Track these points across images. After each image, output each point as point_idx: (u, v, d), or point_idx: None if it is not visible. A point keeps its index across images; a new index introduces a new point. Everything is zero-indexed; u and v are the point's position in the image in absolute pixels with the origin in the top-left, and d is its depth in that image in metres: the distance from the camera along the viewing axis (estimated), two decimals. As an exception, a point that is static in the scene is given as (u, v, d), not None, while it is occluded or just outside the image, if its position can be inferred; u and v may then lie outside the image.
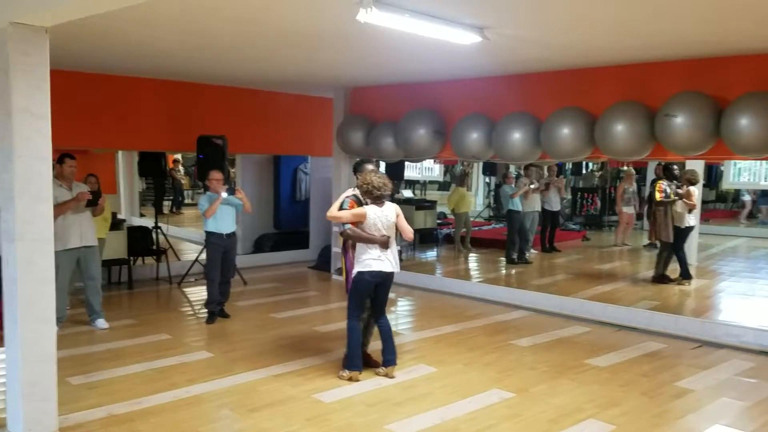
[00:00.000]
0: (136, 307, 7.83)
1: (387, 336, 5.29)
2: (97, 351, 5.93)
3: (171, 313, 7.53)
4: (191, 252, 10.81)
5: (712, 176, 18.32)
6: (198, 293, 8.25)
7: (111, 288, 8.52)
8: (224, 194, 6.79)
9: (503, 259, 10.96)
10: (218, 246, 6.90)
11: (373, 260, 5.08)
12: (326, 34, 5.53)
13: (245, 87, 9.51)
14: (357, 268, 5.13)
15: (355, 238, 5.13)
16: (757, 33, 5.18)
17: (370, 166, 5.42)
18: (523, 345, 6.33)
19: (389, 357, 5.29)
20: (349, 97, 9.56)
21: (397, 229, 5.27)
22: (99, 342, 6.20)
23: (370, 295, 5.25)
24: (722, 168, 17.60)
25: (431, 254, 12.04)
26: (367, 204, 5.16)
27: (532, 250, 11.46)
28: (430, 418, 4.48)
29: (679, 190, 8.74)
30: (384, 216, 5.12)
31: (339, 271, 9.54)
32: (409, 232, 5.31)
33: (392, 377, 5.24)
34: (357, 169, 5.52)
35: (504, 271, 10.55)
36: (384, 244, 5.09)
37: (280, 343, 6.23)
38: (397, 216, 5.23)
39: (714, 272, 10.37)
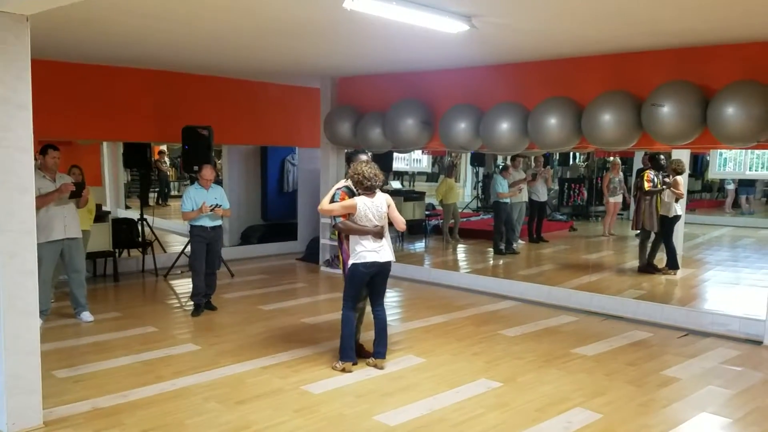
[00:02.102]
0: (121, 299, 7.77)
1: (381, 328, 5.27)
2: (82, 344, 5.88)
3: (157, 305, 7.48)
4: (177, 244, 10.74)
5: (698, 166, 18.44)
6: (184, 285, 8.20)
7: (96, 280, 8.45)
8: (209, 213, 6.75)
9: (491, 249, 10.98)
10: (202, 238, 6.85)
11: (367, 252, 5.06)
12: (312, 23, 5.47)
13: (231, 77, 9.43)
14: (351, 260, 5.11)
15: (346, 230, 5.11)
16: (743, 22, 5.19)
17: (364, 157, 5.38)
18: (510, 335, 6.34)
19: (380, 349, 5.28)
20: (336, 87, 9.50)
21: (389, 219, 5.26)
22: (84, 335, 6.14)
23: (367, 285, 5.23)
24: (708, 158, 17.73)
25: (419, 245, 12.05)
26: (358, 195, 5.14)
27: (520, 241, 11.49)
28: (418, 408, 4.48)
29: (667, 180, 8.79)
30: (375, 207, 5.09)
31: (327, 263, 9.51)
32: (401, 222, 5.30)
33: (381, 368, 5.23)
34: (350, 159, 5.47)
35: (492, 262, 10.58)
36: (377, 235, 5.08)
37: (268, 335, 6.20)
38: (389, 206, 5.21)
39: (700, 261, 10.45)
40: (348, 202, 5.09)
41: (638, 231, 12.87)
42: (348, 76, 9.31)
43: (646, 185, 8.75)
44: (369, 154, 5.68)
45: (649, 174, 8.82)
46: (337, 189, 5.24)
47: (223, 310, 7.09)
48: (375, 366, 5.25)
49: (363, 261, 5.06)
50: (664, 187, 8.75)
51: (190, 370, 5.17)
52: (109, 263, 8.69)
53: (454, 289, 8.38)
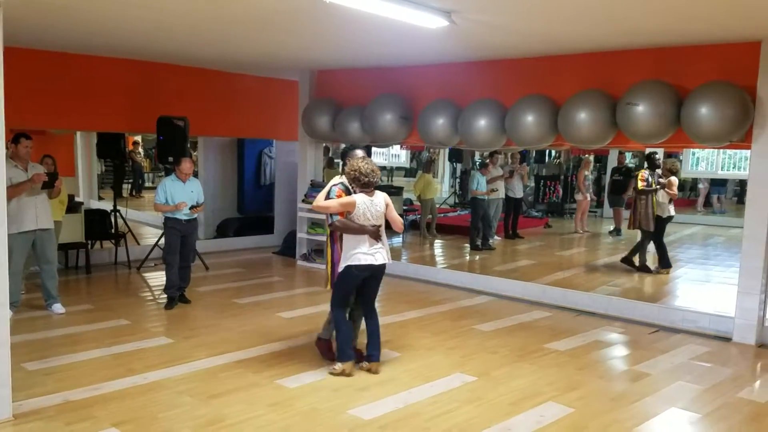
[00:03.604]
0: (93, 291, 7.68)
1: (373, 330, 5.07)
2: (53, 336, 5.79)
3: (130, 298, 7.39)
4: (151, 236, 10.63)
5: (671, 165, 18.67)
6: (158, 278, 8.12)
7: (68, 272, 8.34)
8: (186, 209, 6.72)
9: (468, 245, 11.05)
10: (176, 231, 6.79)
11: (362, 254, 4.82)
12: (291, 15, 5.43)
13: (208, 68, 9.33)
14: (345, 262, 4.86)
15: (344, 229, 4.85)
16: (717, 23, 5.27)
17: (360, 153, 5.06)
18: (485, 330, 6.38)
19: (373, 352, 5.07)
20: (314, 80, 9.46)
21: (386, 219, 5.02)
22: (55, 327, 6.05)
23: (357, 288, 5.03)
24: (681, 157, 18.00)
25: (397, 240, 12.05)
26: (355, 192, 4.91)
27: (496, 237, 11.57)
28: (393, 402, 4.50)
29: (661, 180, 8.85)
30: (374, 205, 4.86)
31: (304, 257, 9.47)
32: (399, 223, 5.07)
33: (377, 372, 5.00)
34: (345, 155, 5.18)
35: (468, 257, 10.63)
36: (375, 235, 4.84)
37: (243, 329, 6.17)
38: (387, 206, 4.97)
39: (671, 259, 10.58)
40: (347, 199, 4.82)
41: (613, 228, 13.12)
42: (327, 70, 9.27)
43: (640, 185, 8.78)
44: (364, 149, 5.33)
45: (644, 173, 8.87)
46: (333, 185, 4.97)
47: (197, 304, 7.03)
48: (369, 370, 5.01)
49: (357, 263, 4.81)
50: (658, 187, 8.80)
51: (163, 363, 5.12)
52: (82, 255, 8.57)
53: (431, 284, 8.42)
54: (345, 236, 4.90)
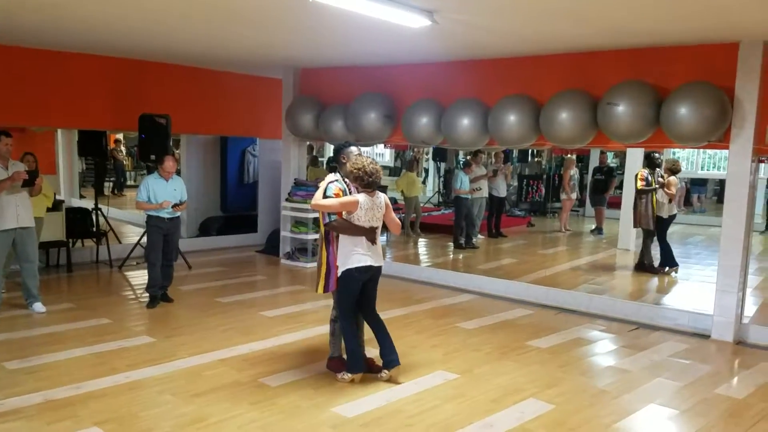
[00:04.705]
0: (75, 290, 7.61)
1: (384, 336, 4.85)
2: (34, 335, 5.75)
3: (111, 297, 7.34)
4: (133, 235, 10.55)
5: (652, 165, 18.84)
6: (140, 277, 8.06)
7: (49, 271, 8.26)
8: (168, 208, 6.68)
9: (451, 244, 11.09)
10: (158, 229, 6.75)
11: (362, 255, 4.66)
12: (274, 12, 5.43)
13: (191, 65, 9.29)
14: (345, 266, 4.67)
15: (342, 229, 4.64)
16: (696, 25, 5.34)
17: (354, 150, 4.84)
18: (468, 327, 6.42)
19: (392, 357, 4.82)
20: (298, 79, 9.45)
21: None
22: (36, 326, 6.00)
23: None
24: (662, 156, 18.17)
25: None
26: (351, 193, 4.72)
27: (479, 236, 11.63)
28: (376, 399, 4.51)
29: (660, 179, 8.87)
30: (375, 206, 4.70)
31: (288, 255, 9.45)
32: (397, 225, 4.95)
33: (397, 382, 4.81)
34: (339, 152, 4.89)
35: (452, 256, 10.68)
36: (372, 238, 4.70)
37: (225, 327, 6.15)
38: (387, 207, 4.84)
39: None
40: (348, 198, 4.62)
41: (594, 228, 13.24)
42: (311, 68, 9.26)
43: (639, 184, 8.80)
44: (360, 147, 5.08)
45: (643, 173, 8.87)
46: (329, 183, 4.70)
47: (179, 303, 7.00)
48: (391, 379, 4.81)
49: (358, 265, 4.64)
50: (656, 186, 8.81)
51: (145, 362, 5.10)
52: (63, 253, 8.50)
53: (415, 282, 8.45)
54: (341, 237, 4.70)
